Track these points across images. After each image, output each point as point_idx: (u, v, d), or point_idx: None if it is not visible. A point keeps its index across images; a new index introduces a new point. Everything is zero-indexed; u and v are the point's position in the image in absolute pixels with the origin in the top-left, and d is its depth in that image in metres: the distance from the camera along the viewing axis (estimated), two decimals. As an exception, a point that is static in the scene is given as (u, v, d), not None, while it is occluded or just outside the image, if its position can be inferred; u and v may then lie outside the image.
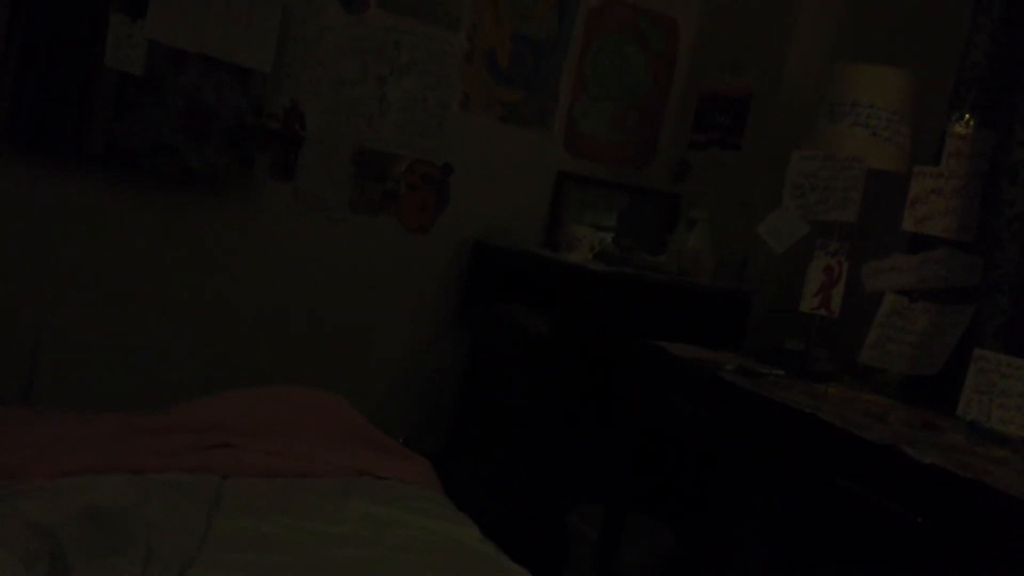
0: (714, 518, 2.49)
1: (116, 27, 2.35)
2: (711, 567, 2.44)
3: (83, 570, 1.28)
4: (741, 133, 3.00)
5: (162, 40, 2.39)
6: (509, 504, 2.60)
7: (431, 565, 1.53)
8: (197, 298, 2.62)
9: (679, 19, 3.25)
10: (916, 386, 2.10)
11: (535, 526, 2.55)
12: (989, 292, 1.99)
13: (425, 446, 2.58)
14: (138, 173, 2.47)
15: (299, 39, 2.62)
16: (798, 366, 2.17)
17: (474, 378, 2.96)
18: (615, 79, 3.19)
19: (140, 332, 2.53)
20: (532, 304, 2.78)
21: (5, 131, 2.32)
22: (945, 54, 2.27)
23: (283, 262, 2.73)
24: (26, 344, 2.42)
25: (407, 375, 2.99)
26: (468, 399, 2.97)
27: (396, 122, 2.82)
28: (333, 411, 2.04)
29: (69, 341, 2.44)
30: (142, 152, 2.42)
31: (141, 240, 2.53)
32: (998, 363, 1.87)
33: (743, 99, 3.01)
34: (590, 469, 2.51)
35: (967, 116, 2.13)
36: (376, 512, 1.69)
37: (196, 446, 1.77)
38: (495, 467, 2.73)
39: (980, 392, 1.87)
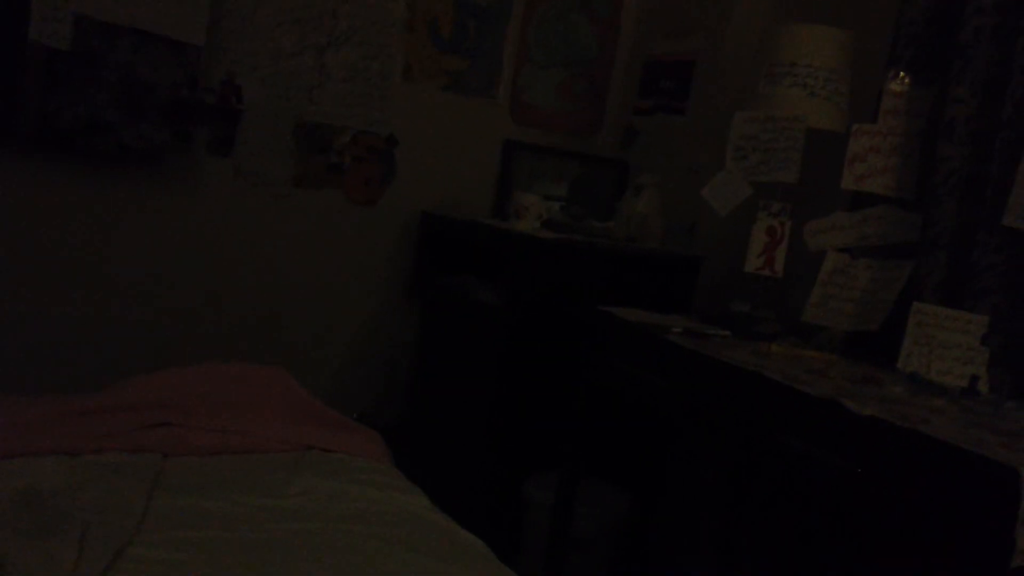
0: (666, 478, 2.52)
1: (40, 1, 2.26)
2: (665, 526, 2.48)
3: (17, 554, 1.24)
4: (686, 98, 3.01)
5: (89, 13, 2.31)
6: (465, 475, 2.60)
7: (378, 536, 1.52)
8: (137, 277, 2.56)
9: (622, -16, 3.23)
10: (859, 342, 2.13)
11: (491, 495, 2.56)
12: (927, 247, 2.02)
13: (381, 420, 2.57)
14: (72, 151, 2.39)
15: (233, 9, 2.55)
16: (744, 326, 2.19)
17: (427, 350, 2.94)
18: (560, 46, 3.17)
19: (77, 312, 2.46)
20: (483, 275, 2.77)
21: (-72, 111, 2.24)
22: (882, 12, 2.29)
23: (226, 239, 2.67)
24: (-41, 329, 2.35)
25: (360, 350, 2.97)
26: (422, 372, 2.96)
27: (337, 93, 2.76)
28: (277, 386, 2.01)
29: (4, 323, 2.37)
30: (76, 130, 2.35)
31: (77, 219, 2.45)
32: (936, 316, 1.91)
33: (687, 64, 3.01)
34: (545, 437, 2.52)
35: (902, 74, 2.15)
36: (322, 485, 1.68)
37: (135, 426, 1.73)
38: (451, 438, 2.73)
39: (920, 345, 1.91)
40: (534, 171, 3.12)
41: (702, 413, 1.95)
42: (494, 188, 3.12)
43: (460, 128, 3.03)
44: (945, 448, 1.38)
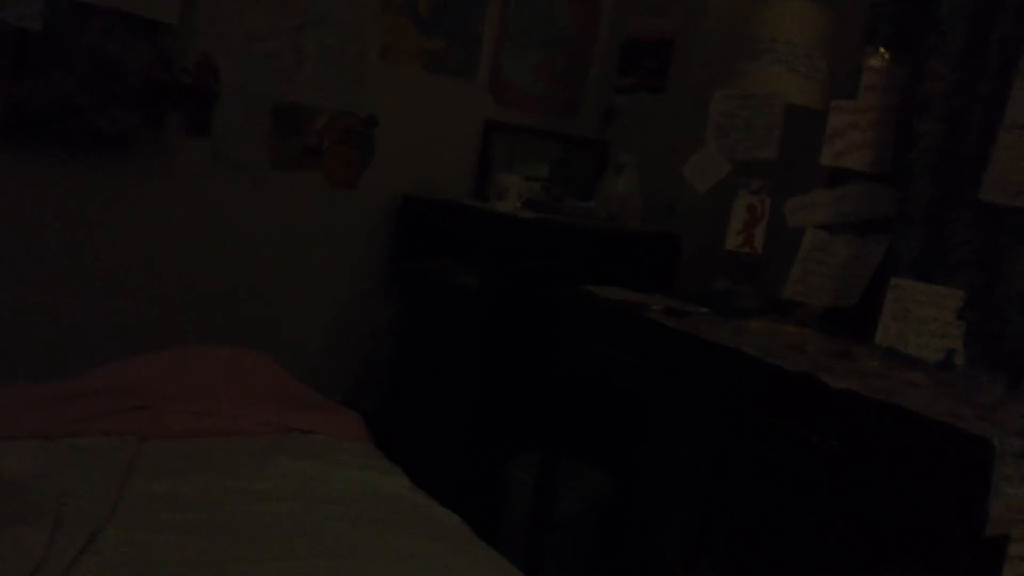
0: (645, 457, 2.53)
1: (10, -19, 2.22)
2: (644, 505, 2.48)
3: (-12, 539, 1.23)
4: (666, 76, 2.99)
5: (61, -7, 2.27)
6: (447, 457, 2.60)
7: (356, 516, 1.52)
8: (113, 263, 2.53)
9: (601, -38, 3.21)
10: (837, 317, 2.13)
11: (473, 477, 2.56)
12: (903, 223, 2.02)
13: (362, 404, 2.56)
14: (44, 137, 2.36)
15: (206, -10, 2.52)
16: (723, 304, 2.19)
17: (408, 333, 2.93)
18: (539, 25, 3.15)
19: (53, 299, 2.43)
20: (463, 256, 2.76)
21: None
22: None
23: (203, 223, 2.65)
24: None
25: (339, 333, 2.95)
26: (403, 355, 2.95)
27: (315, 74, 2.73)
28: (257, 369, 2.00)
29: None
30: (46, 115, 2.31)
31: (47, 206, 2.42)
32: (913, 290, 1.92)
33: (666, 42, 2.99)
34: (527, 418, 2.52)
35: (882, 49, 2.14)
36: (301, 467, 1.67)
37: (112, 410, 1.72)
38: (432, 421, 2.73)
39: (897, 319, 1.92)
40: (515, 151, 3.11)
41: (681, 391, 1.96)
42: (475, 169, 3.10)
43: (440, 109, 3.01)
44: (920, 420, 1.39)
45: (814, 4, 2.25)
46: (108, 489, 1.44)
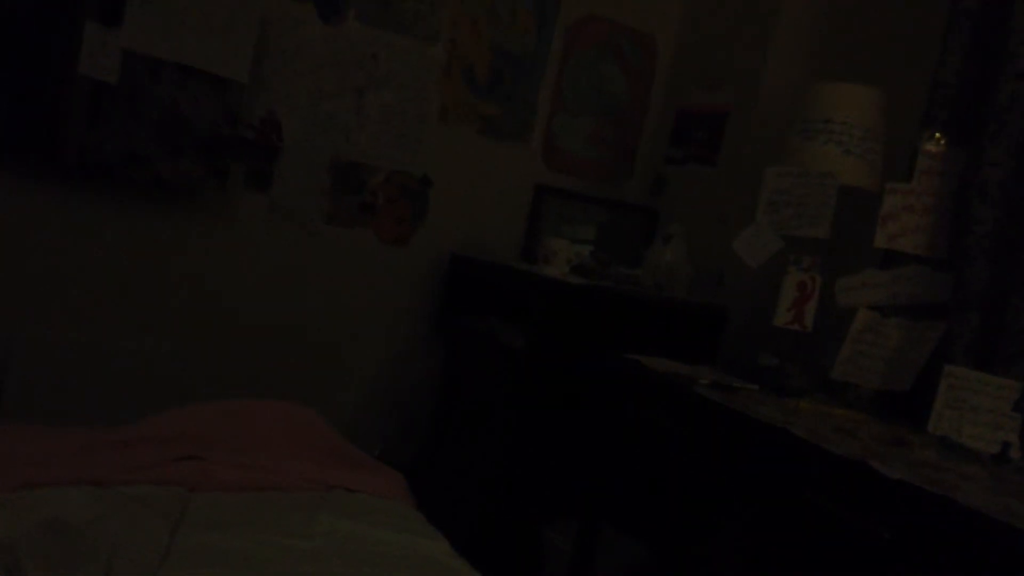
0: (686, 532, 2.49)
1: (91, 36, 2.33)
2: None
3: (42, 585, 1.25)
4: (718, 149, 3.02)
5: (138, 49, 2.38)
6: (483, 518, 2.59)
7: (398, 580, 1.52)
8: (169, 309, 2.60)
9: (657, 36, 3.27)
10: (887, 401, 2.11)
11: (510, 540, 2.54)
12: (959, 309, 2.01)
13: (399, 459, 2.57)
14: (110, 183, 2.45)
15: (276, 49, 2.61)
16: (771, 381, 2.18)
17: (449, 391, 2.95)
18: (593, 94, 3.21)
19: (111, 344, 2.49)
20: (508, 317, 2.78)
21: (-25, 141, 2.29)
22: (917, 73, 2.30)
23: (257, 273, 2.71)
24: (-5, 355, 2.38)
25: (382, 388, 2.98)
26: (443, 412, 2.96)
27: (374, 134, 2.81)
28: (304, 424, 2.02)
29: (39, 354, 2.40)
30: (114, 162, 2.41)
31: (112, 251, 2.50)
32: (968, 379, 1.89)
33: (719, 116, 3.03)
34: (565, 483, 2.50)
35: (938, 134, 2.15)
36: (345, 527, 1.68)
37: (163, 459, 1.75)
38: (469, 480, 2.72)
39: (951, 408, 1.89)
40: (563, 216, 3.14)
41: (727, 468, 1.93)
42: (524, 231, 3.14)
43: (493, 171, 3.06)
44: (976, 516, 1.36)
45: (871, 87, 2.27)
46: (158, 539, 1.46)
